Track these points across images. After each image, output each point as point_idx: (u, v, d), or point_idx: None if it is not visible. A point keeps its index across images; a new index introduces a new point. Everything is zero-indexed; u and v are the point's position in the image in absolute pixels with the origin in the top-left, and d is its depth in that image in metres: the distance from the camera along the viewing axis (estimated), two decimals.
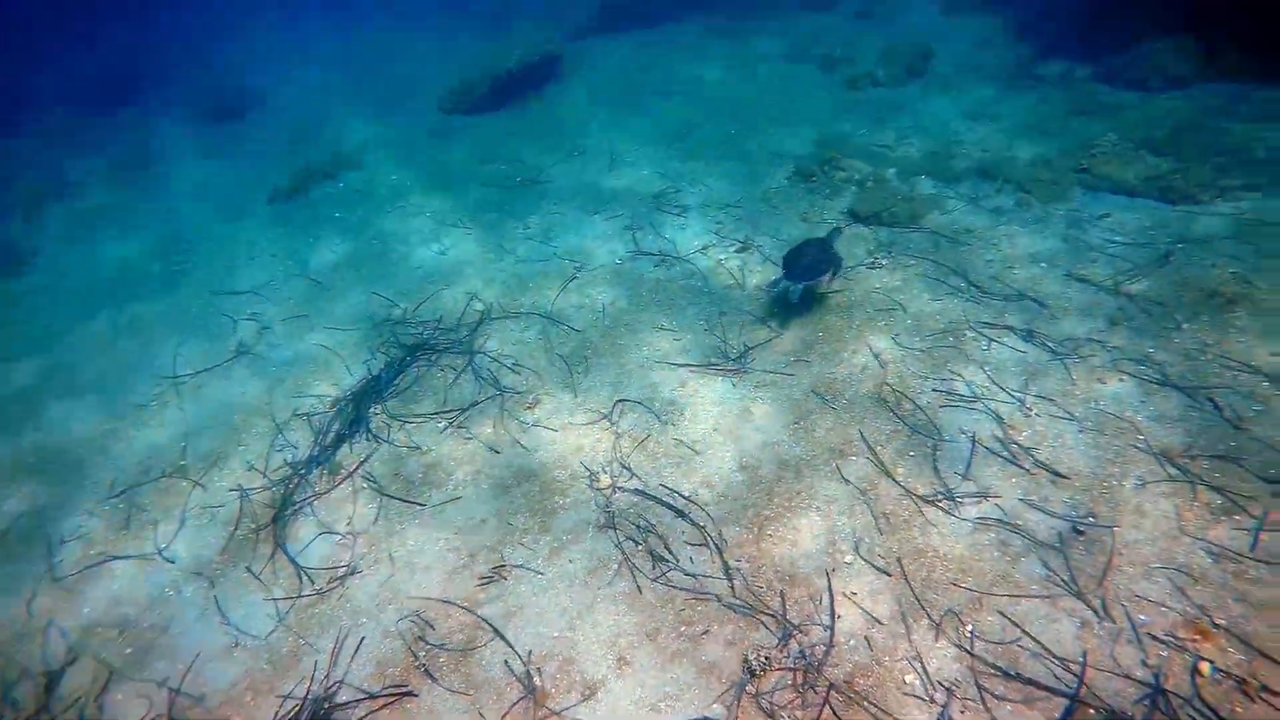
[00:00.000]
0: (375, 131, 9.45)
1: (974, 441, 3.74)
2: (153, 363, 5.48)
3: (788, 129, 7.59)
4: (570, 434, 4.21)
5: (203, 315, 5.99)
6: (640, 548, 3.47)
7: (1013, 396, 3.97)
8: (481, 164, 7.86)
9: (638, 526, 3.57)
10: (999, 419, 3.84)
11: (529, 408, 4.44)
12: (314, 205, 7.68)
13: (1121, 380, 3.94)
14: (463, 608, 3.33)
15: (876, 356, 4.39)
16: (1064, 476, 3.48)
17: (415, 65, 11.93)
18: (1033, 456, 3.60)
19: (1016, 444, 3.69)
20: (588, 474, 3.92)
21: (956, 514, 3.39)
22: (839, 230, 5.16)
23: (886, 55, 8.63)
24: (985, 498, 3.45)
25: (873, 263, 5.26)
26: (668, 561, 3.39)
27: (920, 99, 7.81)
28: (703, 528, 3.52)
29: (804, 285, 4.60)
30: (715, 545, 3.43)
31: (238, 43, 15.39)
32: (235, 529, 3.92)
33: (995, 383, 4.08)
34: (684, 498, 3.69)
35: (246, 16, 16.88)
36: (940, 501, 3.47)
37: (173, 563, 3.79)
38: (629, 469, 3.91)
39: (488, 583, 3.43)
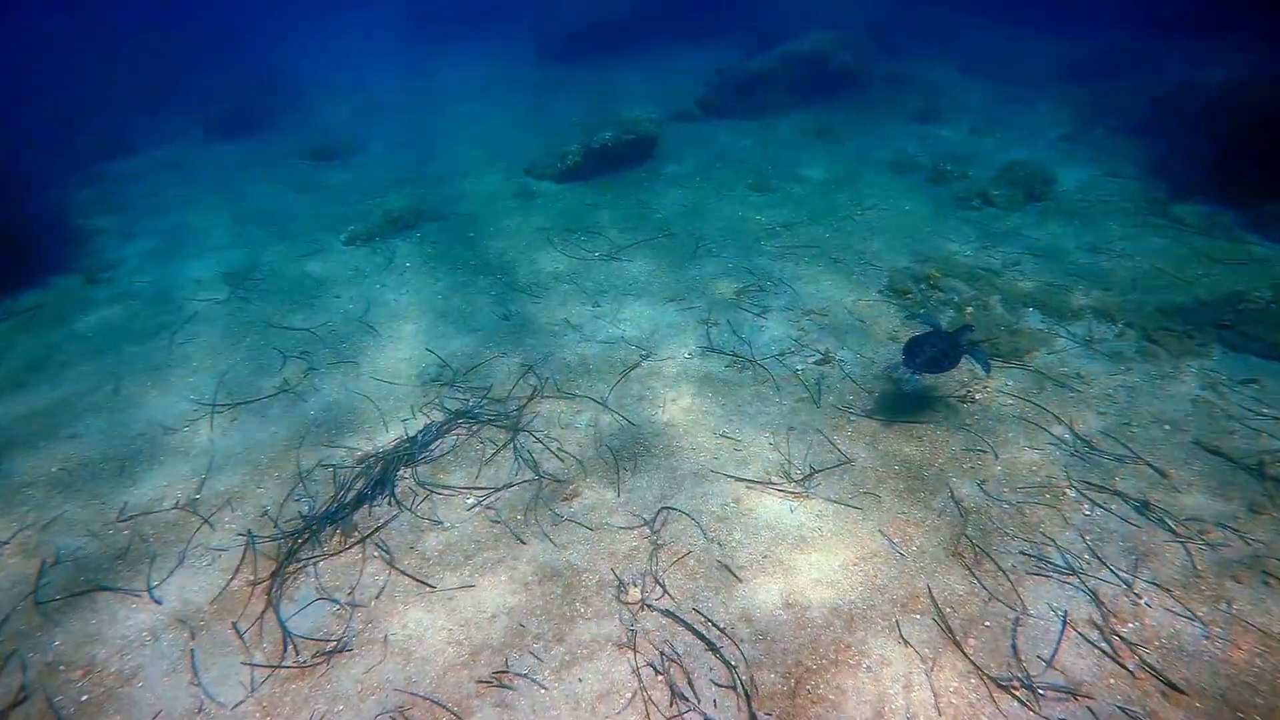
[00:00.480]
0: (462, 187, 9.91)
1: (1065, 622, 3.37)
2: (195, 388, 5.67)
3: (886, 240, 7.52)
4: (606, 536, 4.04)
5: (256, 347, 6.21)
6: (660, 678, 3.22)
7: (1118, 576, 3.58)
8: (563, 233, 8.07)
9: (662, 653, 3.33)
10: (1098, 601, 3.46)
11: (566, 499, 4.32)
12: (390, 250, 8.01)
13: (1266, 584, 3.50)
14: (452, 713, 3.13)
15: (958, 503, 4.09)
16: (1179, 690, 3.05)
17: (510, 126, 12.62)
18: (1139, 656, 3.20)
19: (1119, 635, 3.29)
20: (617, 583, 3.72)
21: (1035, 708, 3.01)
22: (969, 328, 4.95)
23: (1003, 175, 8.57)
24: (1074, 696, 3.05)
25: (966, 395, 5.00)
26: (687, 701, 3.11)
27: (1037, 225, 7.64)
28: (734, 668, 3.24)
29: (920, 377, 4.72)
30: (744, 691, 3.14)
31: (346, 90, 16.74)
32: (232, 578, 3.87)
33: (1098, 556, 3.71)
34: (718, 628, 3.44)
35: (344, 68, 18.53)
36: (1016, 688, 3.09)
37: (159, 604, 3.75)
38: (663, 585, 3.69)
39: (486, 687, 3.23)
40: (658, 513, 4.16)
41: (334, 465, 4.67)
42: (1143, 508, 3.98)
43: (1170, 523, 3.87)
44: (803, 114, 11.95)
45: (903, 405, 4.96)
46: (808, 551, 3.84)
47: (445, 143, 12.04)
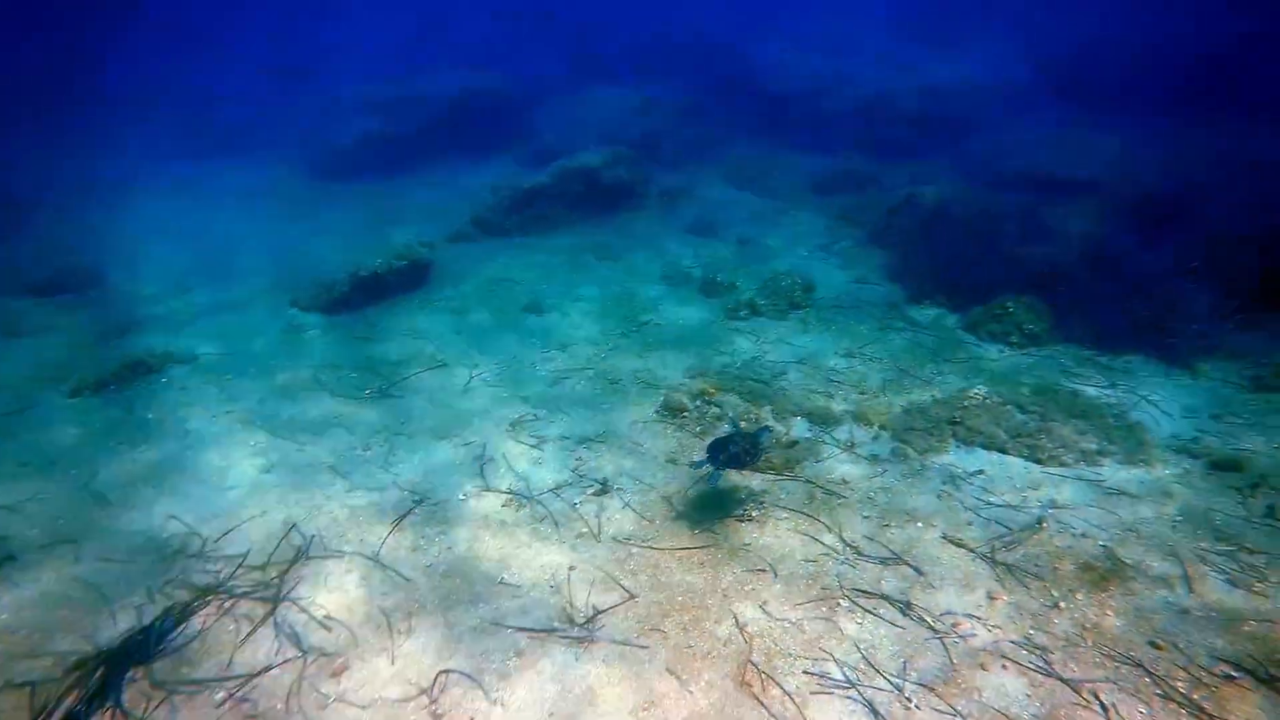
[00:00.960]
0: (219, 321, 9.21)
1: None
2: None
3: (662, 356, 8.03)
4: (380, 713, 3.74)
5: None
6: None
7: (890, 683, 3.92)
8: (330, 370, 7.75)
9: None
10: (874, 711, 3.75)
11: (335, 674, 3.97)
12: (127, 401, 7.17)
13: (1004, 667, 4.00)
14: None
15: (742, 629, 4.30)
16: None
17: (278, 251, 12.08)
18: None
19: None
20: None
21: None
22: (768, 429, 5.79)
23: (769, 285, 9.57)
24: None
25: (743, 514, 5.35)
26: None
27: (800, 332, 8.58)
28: None
29: (723, 472, 5.21)
30: None
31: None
32: None
33: (871, 664, 4.04)
34: None
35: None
36: None
37: None
38: None
39: None
40: (436, 677, 3.95)
41: (32, 683, 3.92)
42: (906, 608, 4.43)
43: (929, 620, 4.34)
44: (580, 230, 12.67)
45: (688, 526, 5.20)
46: (596, 703, 3.81)
47: (200, 272, 11.18)
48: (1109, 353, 7.71)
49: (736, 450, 5.18)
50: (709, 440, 5.78)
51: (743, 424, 6.46)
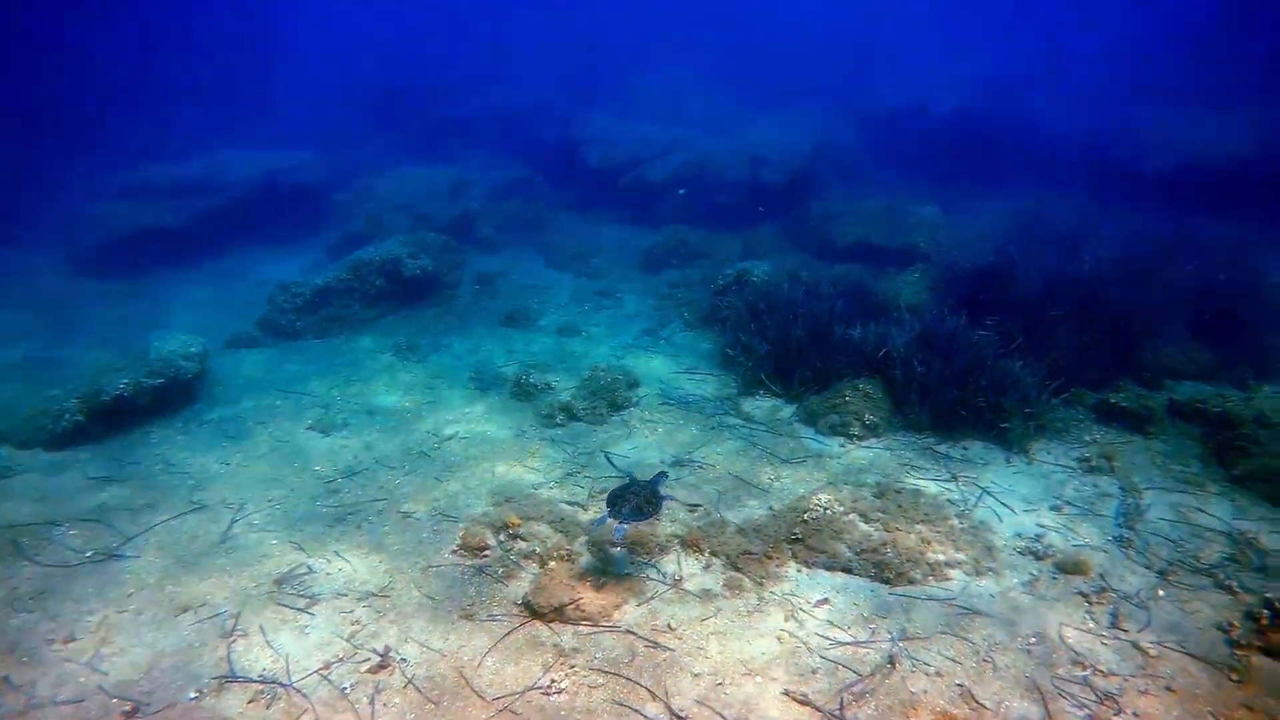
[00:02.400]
0: None
1: None
2: None
3: (465, 478, 7.31)
4: None
5: None
6: None
7: None
8: (46, 529, 6.40)
9: None
10: None
11: None
12: None
13: None
14: None
15: None
16: None
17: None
18: None
19: None
20: None
21: None
22: (664, 475, 6.25)
23: (588, 383, 9.09)
24: None
25: (549, 686, 4.64)
26: None
27: (624, 438, 8.11)
28: None
29: (628, 526, 5.39)
30: None
31: None
32: None
33: None
34: None
35: None
36: None
37: None
38: None
39: None
40: None
41: None
42: None
43: None
44: (383, 329, 11.81)
45: (481, 705, 4.41)
46: None
47: None
48: (948, 438, 7.78)
49: (637, 502, 5.44)
50: (605, 495, 5.87)
51: (550, 565, 5.80)
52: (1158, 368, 8.31)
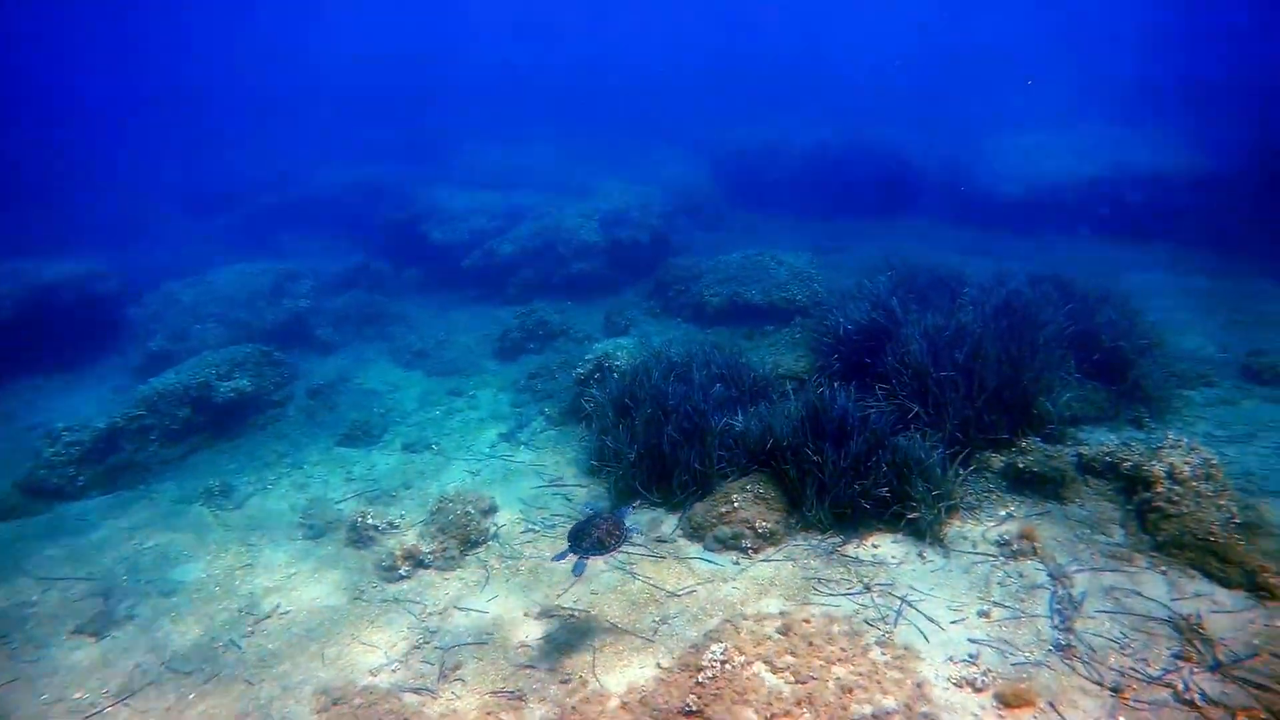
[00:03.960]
0: None
1: None
2: None
3: (284, 672, 6.03)
4: None
5: None
6: None
7: None
8: None
9: None
10: None
11: None
12: None
13: None
14: None
15: None
16: None
17: None
18: None
19: None
20: None
21: None
22: (631, 507, 6.91)
23: (437, 516, 7.98)
24: None
25: None
26: None
27: (481, 586, 7.01)
28: None
29: (589, 559, 5.66)
30: None
31: None
32: None
33: None
34: None
35: None
36: None
37: None
38: None
39: None
40: None
41: None
42: None
43: None
44: (193, 469, 10.33)
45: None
46: None
47: None
48: (854, 535, 7.07)
49: (599, 535, 5.70)
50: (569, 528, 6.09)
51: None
52: (1057, 417, 7.92)
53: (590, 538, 5.65)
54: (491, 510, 8.26)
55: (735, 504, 7.29)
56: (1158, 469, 6.68)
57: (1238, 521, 6.18)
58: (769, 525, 7.13)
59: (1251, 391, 9.44)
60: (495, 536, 7.88)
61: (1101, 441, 7.78)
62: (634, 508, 7.83)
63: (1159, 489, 6.53)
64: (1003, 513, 7.15)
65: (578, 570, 5.63)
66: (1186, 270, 15.36)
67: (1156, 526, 6.40)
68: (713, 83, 40.83)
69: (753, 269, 13.84)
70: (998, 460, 7.77)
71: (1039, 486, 7.32)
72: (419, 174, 24.37)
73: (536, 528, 7.97)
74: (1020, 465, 7.38)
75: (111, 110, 39.38)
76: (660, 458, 7.99)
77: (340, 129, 34.81)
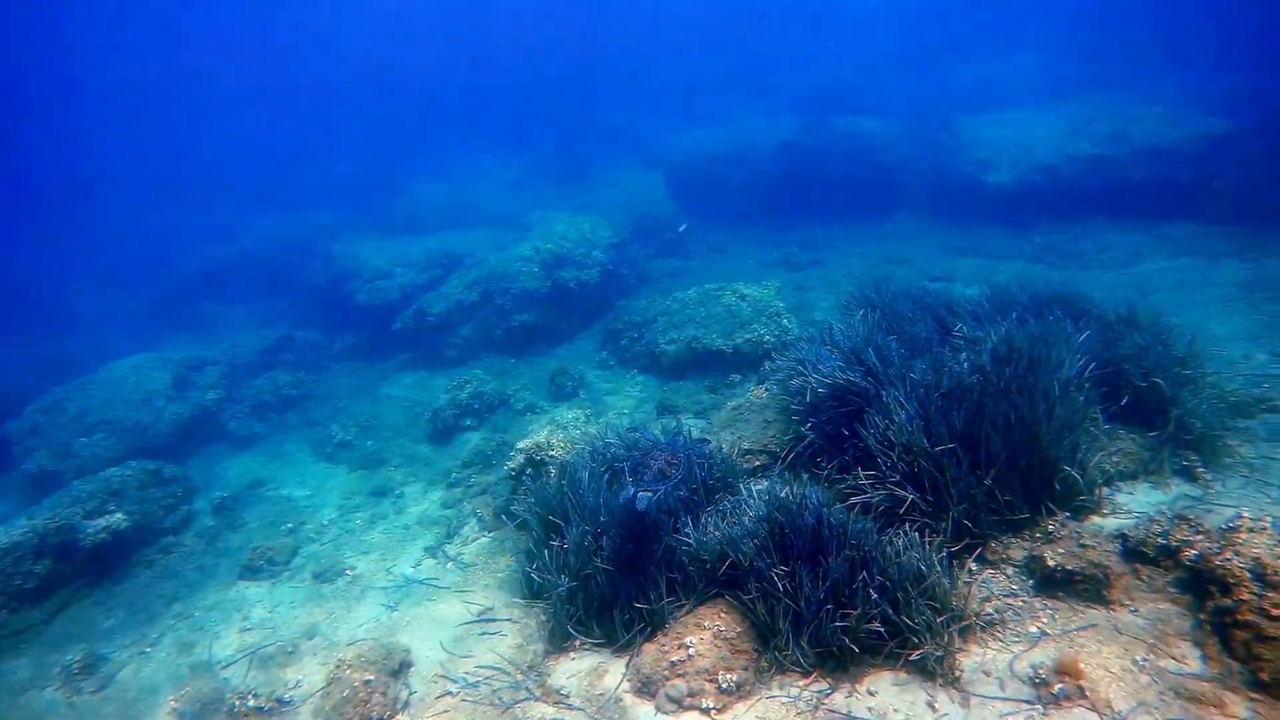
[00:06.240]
0: None
1: None
2: None
3: None
4: None
5: None
6: None
7: None
8: None
9: None
10: None
11: None
12: None
13: None
14: None
15: None
16: None
17: None
18: None
19: None
20: None
21: None
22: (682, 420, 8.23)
23: (332, 690, 6.65)
24: None
25: None
26: None
27: None
28: None
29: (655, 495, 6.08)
30: None
31: None
32: None
33: None
34: None
35: None
36: None
37: None
38: None
39: None
40: None
41: None
42: None
43: None
44: (55, 636, 8.92)
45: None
46: None
47: None
48: (845, 678, 5.72)
49: (660, 466, 6.58)
50: None
51: None
52: (1087, 483, 6.61)
53: (650, 470, 6.37)
54: (404, 668, 6.95)
55: (691, 649, 5.95)
56: (1236, 565, 5.28)
57: None
58: (734, 677, 5.78)
59: None
60: (406, 707, 6.56)
61: (1148, 512, 6.47)
62: (570, 655, 6.53)
63: (1243, 595, 5.15)
64: (1033, 629, 5.81)
65: (644, 504, 6.02)
66: (1212, 252, 14.03)
67: (1250, 652, 5.00)
68: (656, 72, 39.94)
69: (713, 307, 12.55)
70: (1018, 549, 6.45)
71: (1076, 586, 5.99)
72: (354, 220, 23.20)
73: (455, 688, 6.63)
74: (1049, 561, 6.04)
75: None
76: (597, 589, 6.66)
77: (293, 167, 34.01)
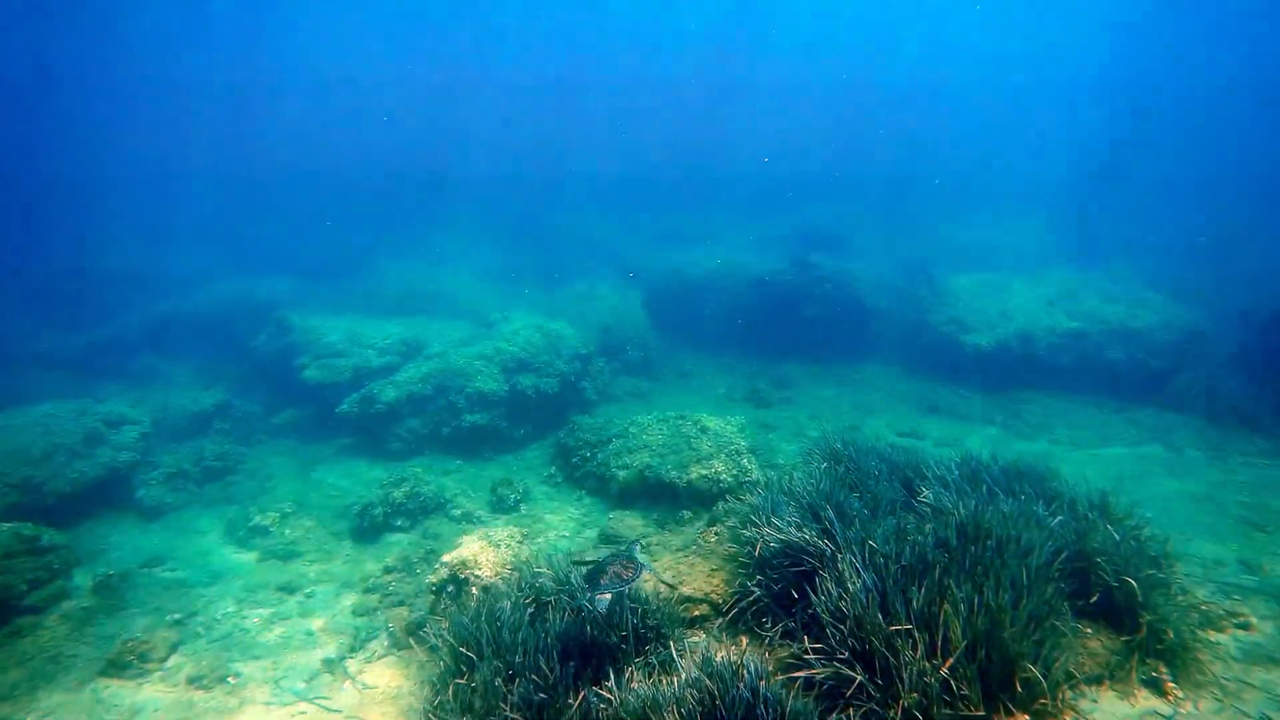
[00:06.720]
0: None
1: None
2: None
3: None
4: None
5: None
6: None
7: None
8: None
9: None
10: None
11: None
12: None
13: None
14: None
15: None
16: None
17: None
18: None
19: None
20: None
21: None
22: (637, 542, 7.33)
23: None
24: None
25: None
26: None
27: None
28: None
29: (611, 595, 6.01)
30: None
31: None
32: None
33: None
34: None
35: None
36: None
37: None
38: None
39: None
40: None
41: None
42: None
43: None
44: None
45: None
46: None
47: None
48: None
49: (615, 571, 6.15)
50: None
51: None
52: (1050, 685, 6.09)
53: (606, 575, 5.98)
54: None
55: None
56: None
57: None
58: None
59: None
60: None
61: None
62: None
63: None
64: None
65: (601, 606, 5.98)
66: (1178, 445, 13.98)
67: None
68: (651, 191, 40.75)
69: (672, 436, 12.10)
70: None
71: None
72: (316, 291, 22.75)
73: None
74: None
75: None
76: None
77: (262, 227, 33.90)
